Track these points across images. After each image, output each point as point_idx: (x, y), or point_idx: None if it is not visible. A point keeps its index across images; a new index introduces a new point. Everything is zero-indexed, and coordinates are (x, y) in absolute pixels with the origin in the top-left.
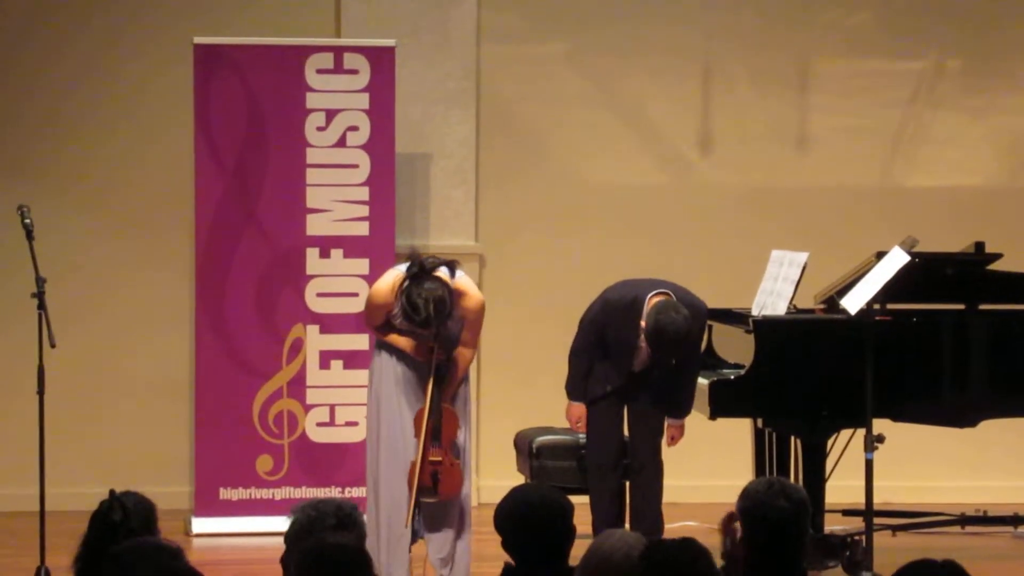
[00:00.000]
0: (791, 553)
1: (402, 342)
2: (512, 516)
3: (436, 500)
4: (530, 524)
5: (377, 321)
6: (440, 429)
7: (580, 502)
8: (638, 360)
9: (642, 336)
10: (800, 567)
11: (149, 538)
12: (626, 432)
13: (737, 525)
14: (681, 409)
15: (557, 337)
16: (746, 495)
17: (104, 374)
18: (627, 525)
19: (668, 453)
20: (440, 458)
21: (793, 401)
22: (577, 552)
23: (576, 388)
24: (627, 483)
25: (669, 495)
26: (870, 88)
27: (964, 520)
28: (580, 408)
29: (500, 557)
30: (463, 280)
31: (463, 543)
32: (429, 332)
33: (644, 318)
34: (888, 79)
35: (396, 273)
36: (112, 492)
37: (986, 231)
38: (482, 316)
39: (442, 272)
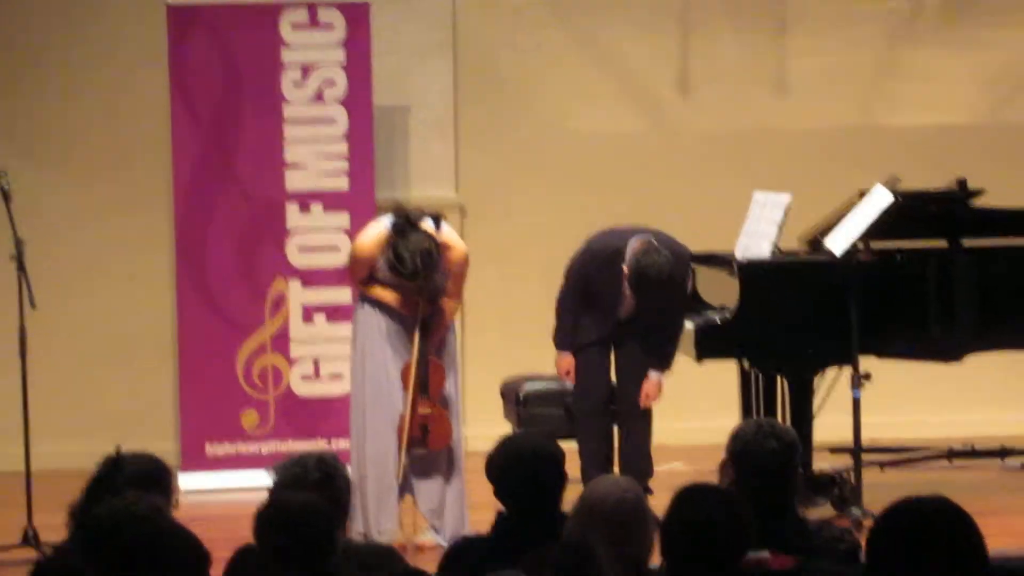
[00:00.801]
0: (783, 493)
1: (386, 296)
2: (504, 465)
3: (426, 452)
4: (522, 473)
5: (361, 275)
6: (428, 381)
7: (568, 448)
8: (624, 308)
9: (626, 284)
10: (792, 507)
11: (128, 498)
12: (613, 377)
13: (732, 472)
14: (662, 361)
15: (541, 284)
16: (736, 438)
17: (86, 332)
18: (616, 470)
19: None
20: (429, 410)
21: (779, 342)
22: (568, 498)
23: (564, 339)
24: (615, 427)
25: (656, 438)
26: (848, 27)
27: (951, 454)
28: (568, 359)
29: (491, 505)
30: (448, 232)
31: (453, 492)
32: (415, 285)
33: (626, 263)
34: (865, 17)
35: (380, 226)
36: (117, 448)
37: (968, 167)
38: (467, 268)
39: (427, 224)
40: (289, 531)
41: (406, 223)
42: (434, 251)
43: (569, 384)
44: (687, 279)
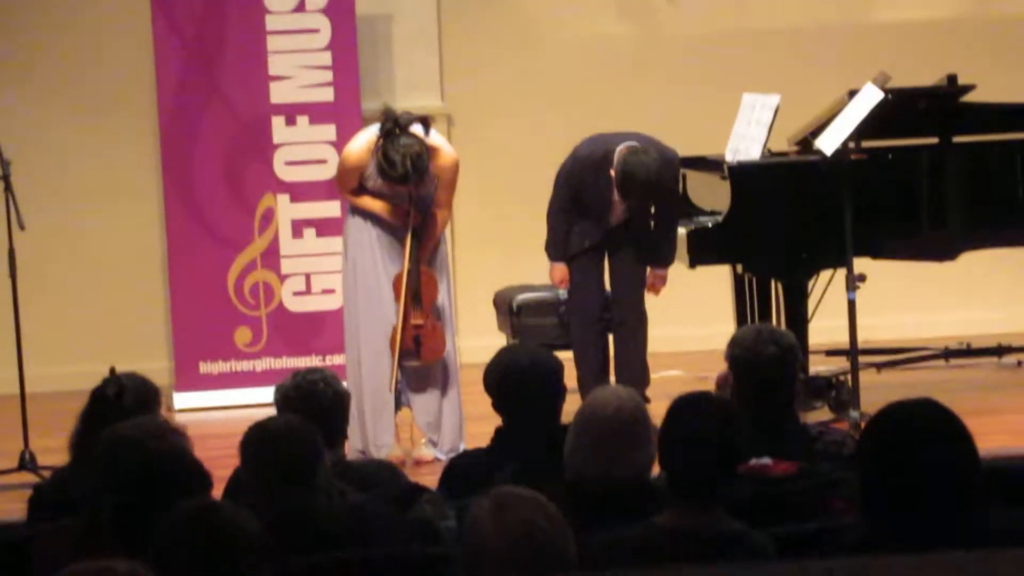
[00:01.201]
0: (783, 398)
1: (376, 206)
2: (502, 378)
3: (419, 363)
4: (521, 385)
5: (351, 185)
6: (420, 292)
7: (563, 357)
8: (614, 215)
9: (615, 189)
10: (792, 411)
11: (136, 421)
12: (608, 286)
13: (732, 383)
14: (663, 258)
15: (531, 192)
16: (735, 343)
17: (77, 254)
18: (612, 378)
19: (649, 303)
20: (422, 321)
21: (772, 245)
22: (567, 409)
23: (557, 249)
24: (611, 336)
25: (651, 345)
26: None
27: (948, 354)
28: (563, 269)
29: (487, 416)
30: (437, 138)
31: (450, 404)
32: (406, 189)
33: (614, 167)
34: None
35: (368, 133)
36: (112, 370)
37: (957, 63)
38: (457, 174)
39: (416, 129)
40: (268, 454)
41: (395, 127)
42: (424, 154)
43: (562, 293)
44: (676, 182)
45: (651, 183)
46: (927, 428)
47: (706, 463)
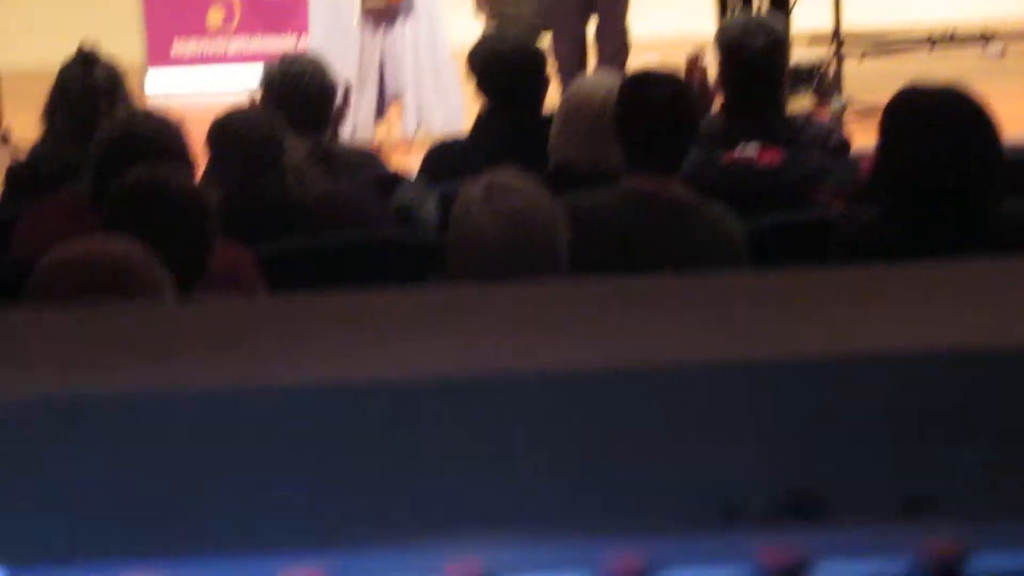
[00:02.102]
0: (771, 90)
1: None
2: (486, 62)
3: (384, 4)
4: (505, 71)
5: None
6: None
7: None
8: None
9: None
10: (781, 103)
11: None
12: None
13: (704, 65)
14: None
15: None
16: (724, 32)
17: None
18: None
19: None
20: None
21: None
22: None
23: None
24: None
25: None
26: None
27: (932, 41)
28: None
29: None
30: None
31: (439, 83)
32: None
33: None
34: None
35: None
36: (80, 46)
37: None
38: None
39: None
40: (229, 142)
41: None
42: None
43: None
44: None
45: None
46: (956, 111)
47: (663, 131)
